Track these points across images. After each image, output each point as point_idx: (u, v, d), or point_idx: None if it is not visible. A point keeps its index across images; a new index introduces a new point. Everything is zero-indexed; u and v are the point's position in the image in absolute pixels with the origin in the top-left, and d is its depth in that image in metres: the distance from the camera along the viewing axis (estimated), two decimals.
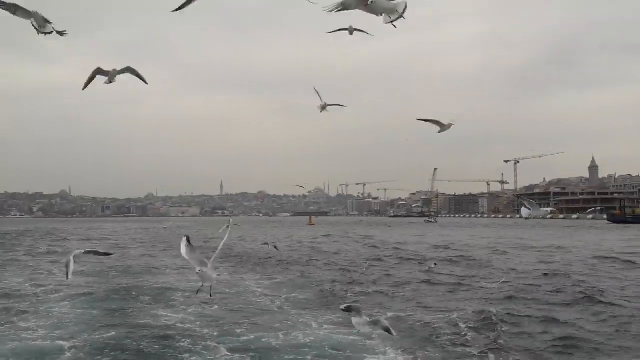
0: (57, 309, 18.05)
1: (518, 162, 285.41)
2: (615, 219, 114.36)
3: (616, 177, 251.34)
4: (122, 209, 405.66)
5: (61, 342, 13.55)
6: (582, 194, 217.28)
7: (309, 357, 12.30)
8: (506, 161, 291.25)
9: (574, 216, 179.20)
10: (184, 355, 12.45)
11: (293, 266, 30.95)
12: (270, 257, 35.10)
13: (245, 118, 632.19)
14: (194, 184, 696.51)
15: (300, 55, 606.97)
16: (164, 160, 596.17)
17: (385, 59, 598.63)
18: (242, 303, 19.14)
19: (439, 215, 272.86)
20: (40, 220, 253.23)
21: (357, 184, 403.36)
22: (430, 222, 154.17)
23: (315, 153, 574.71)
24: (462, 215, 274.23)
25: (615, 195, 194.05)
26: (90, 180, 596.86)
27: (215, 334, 14.37)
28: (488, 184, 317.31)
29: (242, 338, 13.95)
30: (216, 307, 18.06)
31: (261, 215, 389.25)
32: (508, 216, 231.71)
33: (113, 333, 14.48)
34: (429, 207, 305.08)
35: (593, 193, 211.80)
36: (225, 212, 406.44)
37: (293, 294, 20.97)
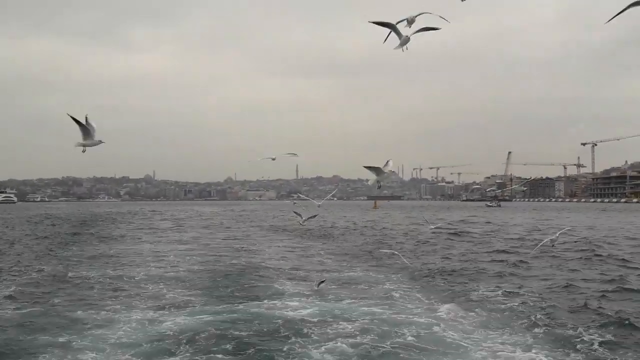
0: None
1: (596, 144, 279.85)
2: None
3: None
4: (203, 192, 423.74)
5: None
6: None
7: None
8: (583, 144, 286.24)
9: None
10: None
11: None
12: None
13: (320, 102, 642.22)
14: (271, 168, 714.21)
15: (373, 39, 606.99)
16: (241, 144, 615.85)
17: (463, 40, 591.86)
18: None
19: (514, 199, 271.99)
20: (132, 203, 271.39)
21: (430, 168, 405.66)
22: (492, 206, 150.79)
23: (389, 136, 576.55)
24: (536, 200, 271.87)
25: None
26: (173, 165, 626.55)
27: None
28: (565, 168, 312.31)
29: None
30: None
31: (335, 199, 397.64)
32: (582, 200, 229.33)
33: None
34: (503, 191, 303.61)
35: None
36: (300, 195, 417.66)
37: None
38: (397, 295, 17.81)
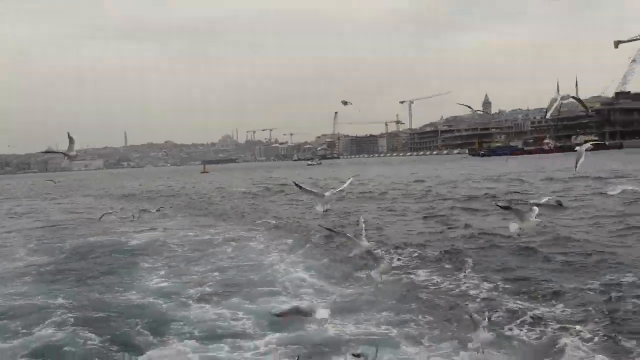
0: None
1: (412, 102, 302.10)
2: (474, 153, 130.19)
3: (506, 112, 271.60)
4: (21, 165, 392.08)
5: None
6: (466, 130, 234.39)
7: None
8: (401, 102, 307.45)
9: (455, 151, 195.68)
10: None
11: None
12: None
13: (149, 67, 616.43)
14: (97, 136, 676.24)
15: (205, 4, 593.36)
16: (64, 112, 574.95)
17: (292, 6, 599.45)
18: None
19: (341, 157, 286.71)
20: None
21: (263, 130, 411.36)
22: (312, 164, 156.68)
23: (224, 101, 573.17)
24: (361, 156, 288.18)
25: (493, 130, 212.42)
26: None
27: None
28: (386, 125, 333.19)
29: None
30: None
31: (169, 165, 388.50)
32: (401, 154, 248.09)
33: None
34: (332, 149, 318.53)
35: (476, 129, 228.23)
36: (131, 163, 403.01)
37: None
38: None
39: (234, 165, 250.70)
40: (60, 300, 12.81)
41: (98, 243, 21.40)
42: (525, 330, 9.61)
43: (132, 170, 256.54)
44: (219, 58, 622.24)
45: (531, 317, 10.10)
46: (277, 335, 10.01)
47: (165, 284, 14.37)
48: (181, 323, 10.93)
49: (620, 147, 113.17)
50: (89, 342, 10.08)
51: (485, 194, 31.84)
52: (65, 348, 9.88)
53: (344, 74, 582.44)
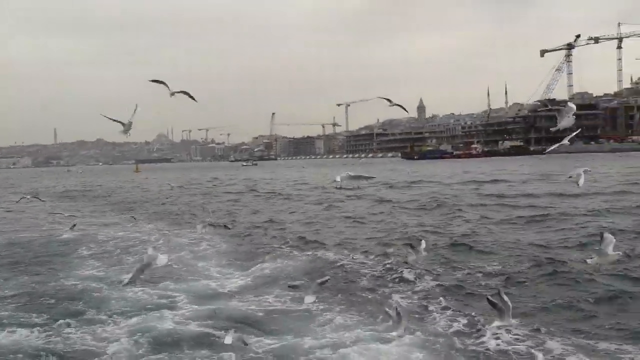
0: None
1: (349, 105, 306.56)
2: (406, 156, 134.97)
3: (440, 116, 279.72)
4: None
5: None
6: (400, 134, 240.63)
7: None
8: (338, 105, 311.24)
9: (390, 154, 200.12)
10: None
11: None
12: None
13: (80, 62, 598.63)
14: (25, 133, 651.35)
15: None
16: None
17: (224, 5, 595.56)
18: None
19: (279, 158, 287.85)
20: None
21: (199, 129, 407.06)
22: (247, 165, 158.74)
23: (157, 98, 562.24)
24: (299, 157, 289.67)
25: (426, 134, 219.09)
26: None
27: None
28: (323, 127, 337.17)
29: None
30: None
31: (100, 164, 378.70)
32: (337, 156, 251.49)
33: None
34: (269, 150, 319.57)
35: (410, 133, 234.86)
36: (61, 162, 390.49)
37: None
38: None
39: (169, 165, 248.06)
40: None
41: (31, 237, 22.39)
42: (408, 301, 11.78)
43: (62, 168, 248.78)
44: (153, 54, 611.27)
45: (415, 292, 12.34)
46: (198, 307, 11.91)
47: (100, 273, 15.60)
48: (118, 301, 12.38)
49: (543, 152, 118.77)
50: (34, 319, 11.29)
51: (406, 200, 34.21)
52: (7, 323, 11.03)
53: (281, 75, 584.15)
